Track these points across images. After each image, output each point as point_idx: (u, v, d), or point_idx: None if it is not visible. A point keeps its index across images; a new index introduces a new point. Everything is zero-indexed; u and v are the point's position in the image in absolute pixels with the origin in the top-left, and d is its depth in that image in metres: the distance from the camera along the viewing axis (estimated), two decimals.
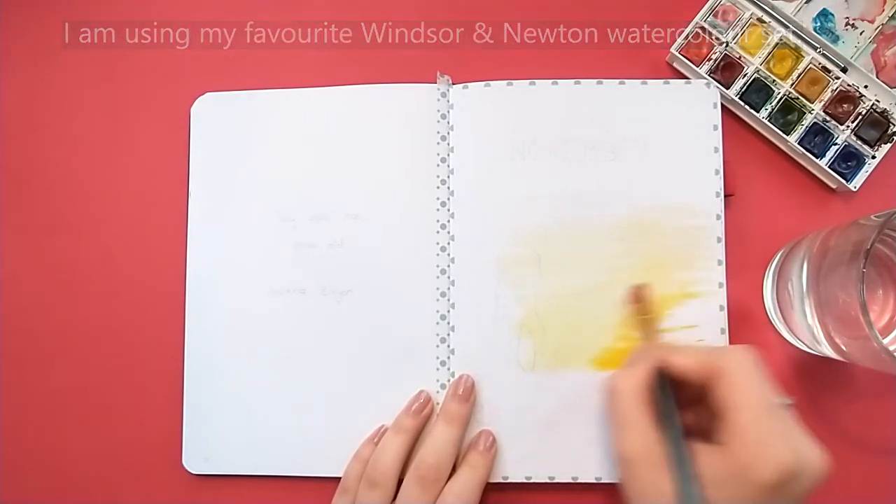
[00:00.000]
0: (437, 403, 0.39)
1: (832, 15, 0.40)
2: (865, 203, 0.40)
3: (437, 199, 0.40)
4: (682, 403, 0.34)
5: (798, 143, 0.40)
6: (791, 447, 0.30)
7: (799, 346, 0.39)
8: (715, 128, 0.39)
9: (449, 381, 0.39)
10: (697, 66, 0.40)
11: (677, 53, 0.40)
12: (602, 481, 0.38)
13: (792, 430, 0.31)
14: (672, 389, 0.34)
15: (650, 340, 0.38)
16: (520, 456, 0.38)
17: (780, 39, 0.40)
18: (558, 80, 0.40)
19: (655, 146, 0.40)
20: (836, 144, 0.40)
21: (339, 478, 0.38)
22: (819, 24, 0.40)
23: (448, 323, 0.39)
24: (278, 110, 0.42)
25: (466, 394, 0.38)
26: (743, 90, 0.40)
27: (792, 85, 0.40)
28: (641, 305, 0.38)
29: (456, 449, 0.37)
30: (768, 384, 0.31)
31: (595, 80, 0.40)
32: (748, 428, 0.30)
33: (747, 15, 0.40)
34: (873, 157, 0.39)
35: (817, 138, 0.40)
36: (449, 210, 0.40)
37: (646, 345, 0.37)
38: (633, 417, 0.33)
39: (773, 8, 0.40)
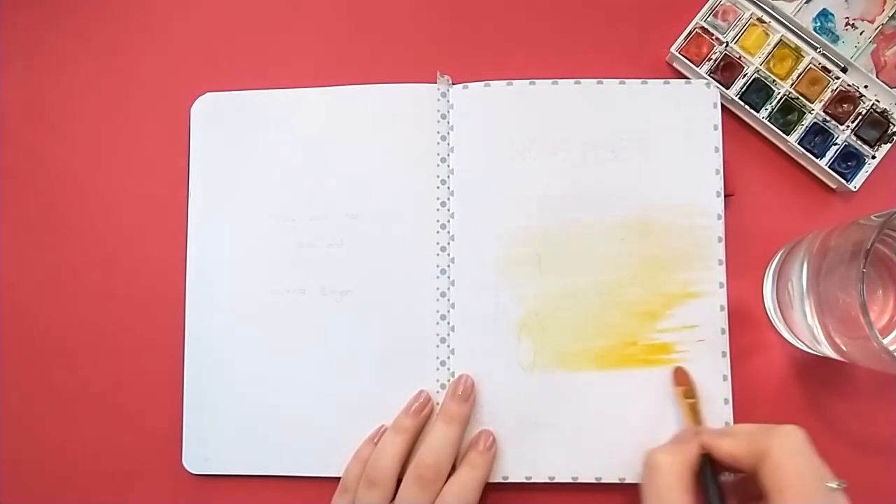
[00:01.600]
0: (438, 403, 0.39)
1: (832, 15, 0.40)
2: (865, 203, 0.40)
3: (437, 199, 0.40)
4: (732, 494, 0.33)
5: (798, 143, 0.40)
6: None
7: (799, 346, 0.39)
8: (715, 128, 0.39)
9: (449, 380, 0.39)
10: (697, 66, 0.40)
11: (677, 53, 0.40)
12: (602, 481, 0.38)
13: None
14: (717, 476, 0.33)
15: (695, 423, 0.37)
16: (520, 456, 0.38)
17: (780, 39, 0.40)
18: (558, 80, 0.40)
19: (655, 146, 0.40)
20: (836, 144, 0.40)
21: (339, 478, 0.38)
22: (819, 24, 0.40)
23: (448, 323, 0.39)
24: (278, 110, 0.42)
25: (466, 394, 0.38)
26: (743, 90, 0.40)
27: (792, 85, 0.40)
28: (686, 388, 0.37)
29: (455, 449, 0.37)
30: (819, 466, 0.30)
31: (595, 80, 0.40)
32: None
33: (747, 15, 0.40)
34: (873, 157, 0.39)
35: (817, 138, 0.40)
36: (449, 210, 0.40)
37: (691, 427, 0.36)
38: (671, 496, 0.32)
39: (773, 8, 0.40)
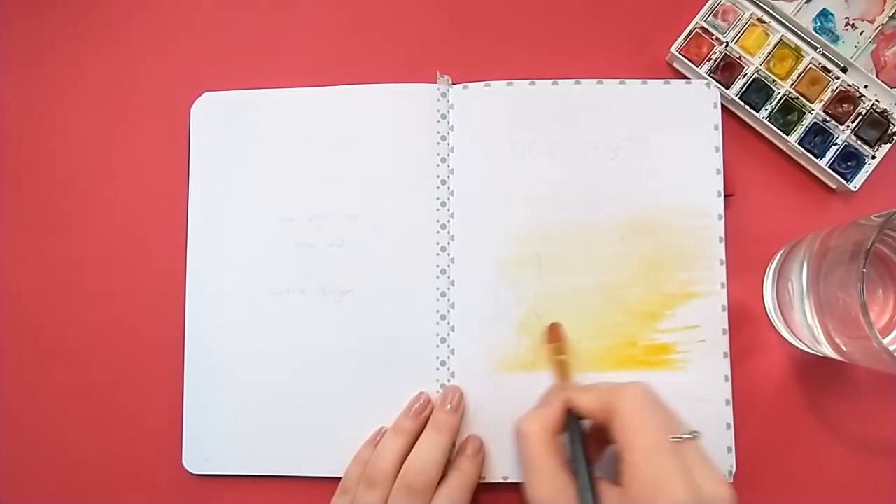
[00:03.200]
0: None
1: (832, 15, 0.40)
2: (865, 203, 0.40)
3: (437, 199, 0.40)
4: (599, 443, 0.34)
5: (798, 143, 0.40)
6: (689, 486, 0.29)
7: (799, 346, 0.39)
8: (715, 128, 0.39)
9: (449, 381, 0.39)
10: (697, 66, 0.40)
11: (677, 53, 0.40)
12: None
13: (693, 467, 0.30)
14: (581, 431, 0.34)
15: (563, 380, 0.37)
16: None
17: (780, 39, 0.40)
18: (558, 80, 0.40)
19: (656, 146, 0.40)
20: (836, 144, 0.40)
21: (339, 478, 0.38)
22: (819, 24, 0.40)
23: (448, 323, 0.39)
24: (278, 110, 0.42)
25: (454, 405, 0.38)
26: (743, 90, 0.40)
27: (792, 85, 0.40)
28: (558, 345, 0.38)
29: (444, 457, 0.36)
30: (664, 420, 0.31)
31: (595, 80, 0.40)
32: (642, 468, 0.29)
33: (747, 15, 0.40)
34: (873, 157, 0.39)
35: (817, 138, 0.40)
36: (449, 210, 0.40)
37: (555, 385, 0.37)
38: (541, 462, 0.33)
39: (773, 8, 0.40)
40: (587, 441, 0.34)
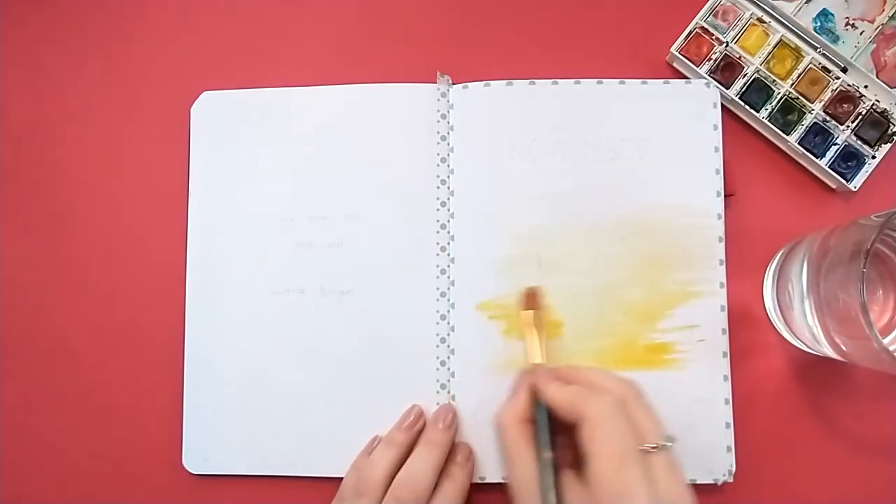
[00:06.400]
0: (437, 404, 0.39)
1: (832, 15, 0.40)
2: (865, 203, 0.40)
3: (437, 199, 0.40)
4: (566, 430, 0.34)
5: (798, 143, 0.40)
6: (652, 498, 0.29)
7: (799, 346, 0.39)
8: (715, 128, 0.39)
9: (448, 381, 0.39)
10: (697, 66, 0.40)
11: (677, 53, 0.40)
12: None
13: (661, 478, 0.30)
14: (549, 419, 0.33)
15: (533, 357, 0.37)
16: None
17: (780, 39, 0.40)
18: (558, 80, 0.40)
19: (655, 146, 0.40)
20: (836, 144, 0.40)
21: (339, 478, 0.38)
22: (819, 24, 0.40)
23: (448, 323, 0.39)
24: (278, 110, 0.42)
25: (447, 424, 0.38)
26: (743, 90, 0.40)
27: (792, 85, 0.40)
28: (536, 313, 0.37)
29: (436, 472, 0.36)
30: (633, 430, 0.31)
31: (595, 80, 0.40)
32: (606, 477, 0.30)
33: (747, 15, 0.40)
34: (873, 157, 0.39)
35: (817, 138, 0.40)
36: (449, 210, 0.40)
37: (527, 368, 0.37)
38: (515, 452, 0.34)
39: (773, 8, 0.40)
40: (558, 425, 0.34)
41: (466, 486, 0.37)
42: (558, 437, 0.33)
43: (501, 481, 0.38)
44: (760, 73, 0.40)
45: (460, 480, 0.37)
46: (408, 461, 0.37)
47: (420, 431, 0.38)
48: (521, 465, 0.33)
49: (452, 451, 0.38)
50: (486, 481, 0.38)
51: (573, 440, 0.32)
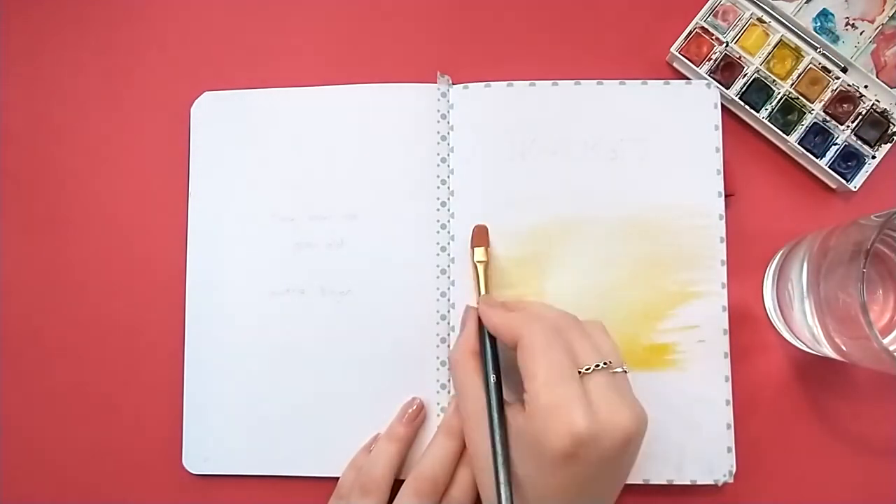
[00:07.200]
0: (438, 404, 0.39)
1: (832, 15, 0.40)
2: (865, 203, 0.40)
3: (437, 199, 0.40)
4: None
5: (798, 143, 0.40)
6: (586, 412, 0.29)
7: (799, 346, 0.39)
8: (715, 128, 0.39)
9: (449, 380, 0.39)
10: (697, 66, 0.40)
11: (677, 53, 0.40)
12: None
13: (601, 397, 0.30)
14: (494, 348, 0.35)
15: (481, 289, 0.38)
16: None
17: (780, 39, 0.40)
18: (558, 81, 0.40)
19: (656, 146, 0.40)
20: (836, 144, 0.40)
21: (339, 478, 0.38)
22: (819, 24, 0.40)
23: (448, 323, 0.39)
24: (278, 110, 0.42)
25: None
26: (743, 90, 0.40)
27: (792, 85, 0.40)
28: (483, 249, 0.38)
29: (454, 462, 0.36)
30: (568, 351, 0.31)
31: (595, 81, 0.40)
32: (541, 395, 0.30)
33: (747, 15, 0.40)
34: (873, 157, 0.39)
35: (817, 138, 0.40)
36: (449, 210, 0.40)
37: (477, 300, 0.38)
38: (467, 383, 0.35)
39: (773, 8, 0.40)
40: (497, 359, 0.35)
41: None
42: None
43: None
44: (760, 73, 0.40)
45: None
46: (428, 450, 0.37)
47: (421, 424, 0.38)
48: (472, 396, 0.34)
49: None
50: None
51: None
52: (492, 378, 0.34)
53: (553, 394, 0.30)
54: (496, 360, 0.35)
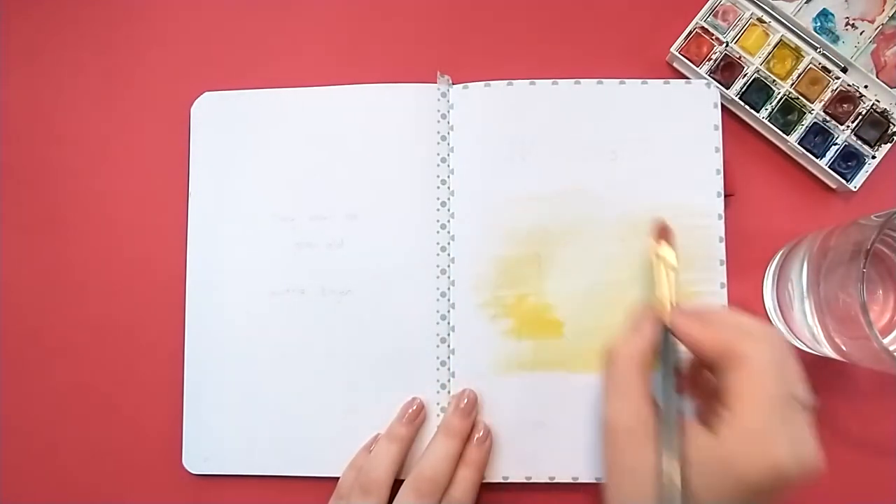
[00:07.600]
0: (437, 404, 0.39)
1: (832, 15, 0.40)
2: (865, 203, 0.40)
3: (437, 199, 0.40)
4: (694, 380, 0.32)
5: (798, 143, 0.40)
6: (794, 446, 0.28)
7: (799, 346, 0.39)
8: (715, 128, 0.39)
9: (449, 381, 0.39)
10: (697, 66, 0.40)
11: (677, 53, 0.40)
12: (603, 482, 0.38)
13: (799, 431, 0.29)
14: (677, 361, 0.32)
15: (660, 288, 0.35)
16: (520, 456, 0.38)
17: (780, 39, 0.40)
18: (558, 80, 0.40)
19: (656, 146, 0.40)
20: (836, 144, 0.40)
21: (339, 478, 0.38)
22: (819, 24, 0.40)
23: (448, 323, 0.39)
24: (278, 110, 0.42)
25: (468, 409, 0.37)
26: (743, 90, 0.40)
27: (792, 85, 0.40)
28: (670, 249, 0.35)
29: (454, 462, 0.36)
30: (792, 380, 0.29)
31: (595, 80, 0.40)
32: (748, 417, 0.28)
33: (747, 15, 0.40)
34: (873, 157, 0.39)
35: (817, 138, 0.40)
36: (449, 210, 0.40)
37: (657, 303, 0.35)
38: (628, 386, 0.31)
39: (773, 8, 0.40)
40: (680, 374, 0.32)
41: (482, 471, 0.37)
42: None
43: (524, 481, 0.38)
44: (760, 73, 0.40)
45: (477, 466, 0.37)
46: (428, 450, 0.36)
47: (421, 424, 0.38)
48: (629, 401, 0.31)
49: (471, 432, 0.37)
50: (509, 481, 0.38)
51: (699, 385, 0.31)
52: (675, 394, 0.31)
53: (764, 418, 0.28)
54: (678, 378, 0.32)
